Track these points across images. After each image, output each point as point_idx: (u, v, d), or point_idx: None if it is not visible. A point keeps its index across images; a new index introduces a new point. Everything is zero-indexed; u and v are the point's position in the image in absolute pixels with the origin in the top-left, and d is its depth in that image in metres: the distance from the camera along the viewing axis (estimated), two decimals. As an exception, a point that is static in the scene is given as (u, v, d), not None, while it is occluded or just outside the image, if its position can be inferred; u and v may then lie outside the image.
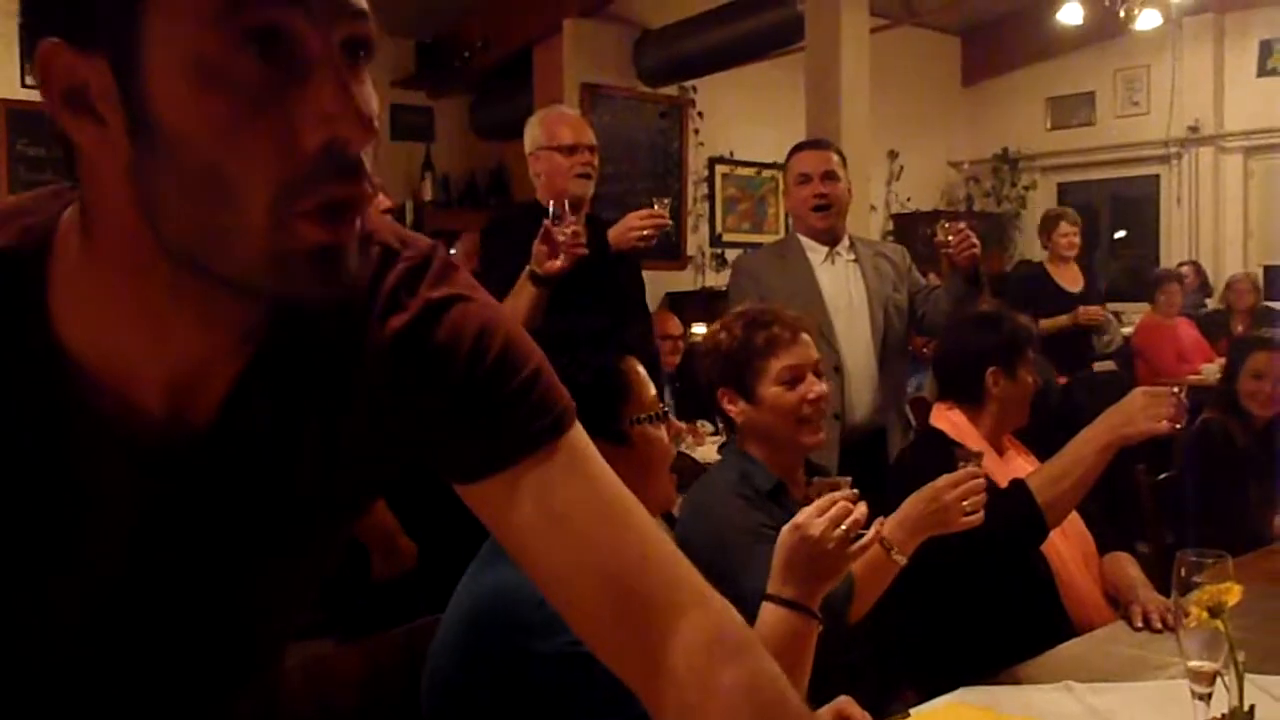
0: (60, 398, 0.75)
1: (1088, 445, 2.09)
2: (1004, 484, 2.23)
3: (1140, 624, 2.08)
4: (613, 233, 3.02)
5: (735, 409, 2.04)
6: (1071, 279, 5.73)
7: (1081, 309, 5.48)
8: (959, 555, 1.98)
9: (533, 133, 3.22)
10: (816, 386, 2.04)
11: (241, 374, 0.79)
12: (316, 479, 0.84)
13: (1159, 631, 2.02)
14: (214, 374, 0.79)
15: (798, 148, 3.38)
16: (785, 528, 1.32)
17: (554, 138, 3.15)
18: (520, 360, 0.87)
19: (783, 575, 1.30)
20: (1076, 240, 5.77)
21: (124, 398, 0.76)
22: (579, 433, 0.90)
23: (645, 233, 3.00)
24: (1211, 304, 7.78)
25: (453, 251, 5.86)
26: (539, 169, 3.18)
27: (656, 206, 3.08)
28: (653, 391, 1.46)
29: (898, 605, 1.95)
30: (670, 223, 3.10)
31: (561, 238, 2.69)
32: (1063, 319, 5.43)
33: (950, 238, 3.04)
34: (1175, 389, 2.10)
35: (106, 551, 0.80)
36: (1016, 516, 2.07)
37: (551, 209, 2.75)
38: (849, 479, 1.40)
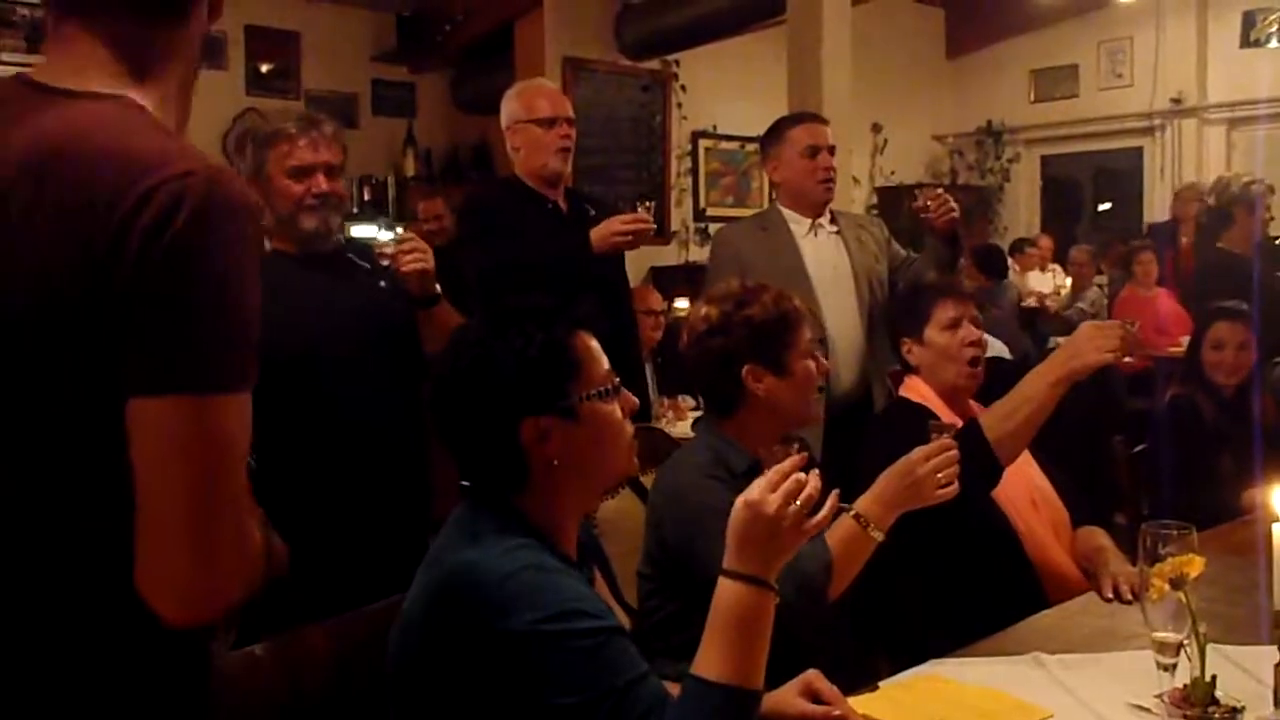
0: None
1: (1038, 381, 2.12)
2: None
3: (1110, 595, 2.10)
4: (595, 234, 2.99)
5: (760, 385, 1.96)
6: None
7: None
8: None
9: (510, 106, 3.21)
10: (823, 360, 2.06)
11: None
12: None
13: (1128, 603, 2.03)
14: None
15: (799, 119, 3.33)
16: (737, 503, 1.31)
17: (532, 110, 3.14)
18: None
19: (738, 551, 1.30)
20: None
21: None
22: None
23: (628, 239, 2.98)
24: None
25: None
26: (517, 143, 3.17)
27: (641, 210, 3.05)
28: (604, 366, 1.44)
29: (873, 580, 1.95)
30: (655, 227, 3.07)
31: (388, 261, 2.38)
32: None
33: (929, 203, 3.05)
34: (1128, 323, 2.12)
35: None
36: (967, 453, 2.07)
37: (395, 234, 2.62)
38: (798, 442, 1.39)
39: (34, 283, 0.95)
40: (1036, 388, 2.11)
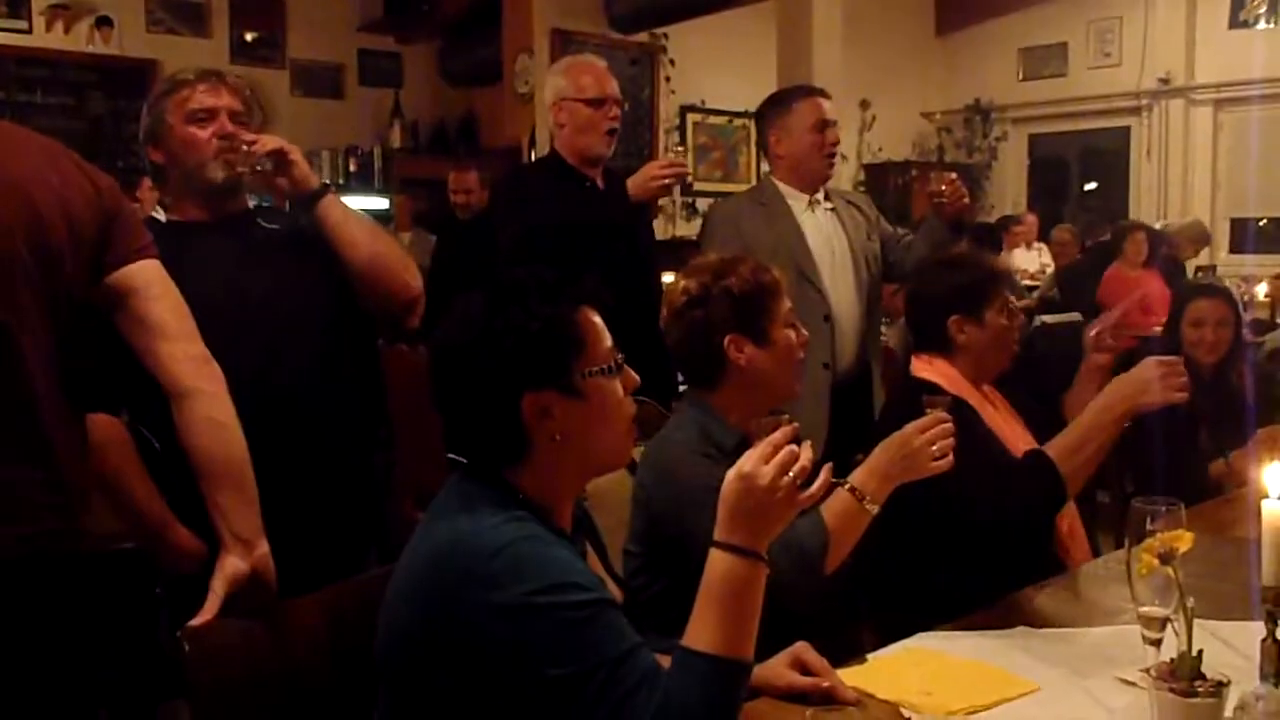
0: None
1: (1105, 414, 2.08)
2: (997, 429, 2.25)
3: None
4: (633, 182, 2.94)
5: (742, 355, 1.96)
6: None
7: None
8: (986, 529, 2.03)
9: (556, 83, 3.14)
10: (803, 331, 2.04)
11: None
12: None
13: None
14: None
15: (809, 91, 3.29)
16: (730, 475, 1.31)
17: (580, 89, 3.08)
18: None
19: (730, 523, 1.30)
20: None
21: None
22: None
23: (666, 181, 2.93)
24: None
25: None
26: (562, 120, 3.10)
27: (673, 155, 3.02)
28: (608, 343, 1.43)
29: (873, 556, 1.96)
30: (689, 170, 3.02)
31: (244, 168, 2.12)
32: None
33: (944, 187, 3.05)
34: (1176, 360, 2.11)
35: None
36: (1041, 488, 2.06)
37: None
38: (788, 415, 1.39)
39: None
40: (1102, 422, 2.08)
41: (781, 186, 3.19)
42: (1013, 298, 2.41)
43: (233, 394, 2.02)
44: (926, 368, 2.36)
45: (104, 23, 7.06)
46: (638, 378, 1.46)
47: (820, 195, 3.20)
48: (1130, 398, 2.08)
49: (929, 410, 1.84)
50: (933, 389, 2.25)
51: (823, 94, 3.30)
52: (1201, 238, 7.60)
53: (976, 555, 2.13)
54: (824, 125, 3.14)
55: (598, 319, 1.42)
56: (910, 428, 1.81)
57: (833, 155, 3.18)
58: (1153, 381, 2.07)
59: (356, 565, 2.02)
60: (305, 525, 2.10)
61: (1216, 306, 3.25)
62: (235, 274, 2.12)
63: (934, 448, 1.79)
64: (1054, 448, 2.11)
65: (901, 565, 2.16)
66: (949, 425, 1.82)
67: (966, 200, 3.08)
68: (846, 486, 1.79)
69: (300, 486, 2.11)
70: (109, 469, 2.06)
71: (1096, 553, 2.36)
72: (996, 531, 2.06)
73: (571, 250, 2.69)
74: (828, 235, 3.15)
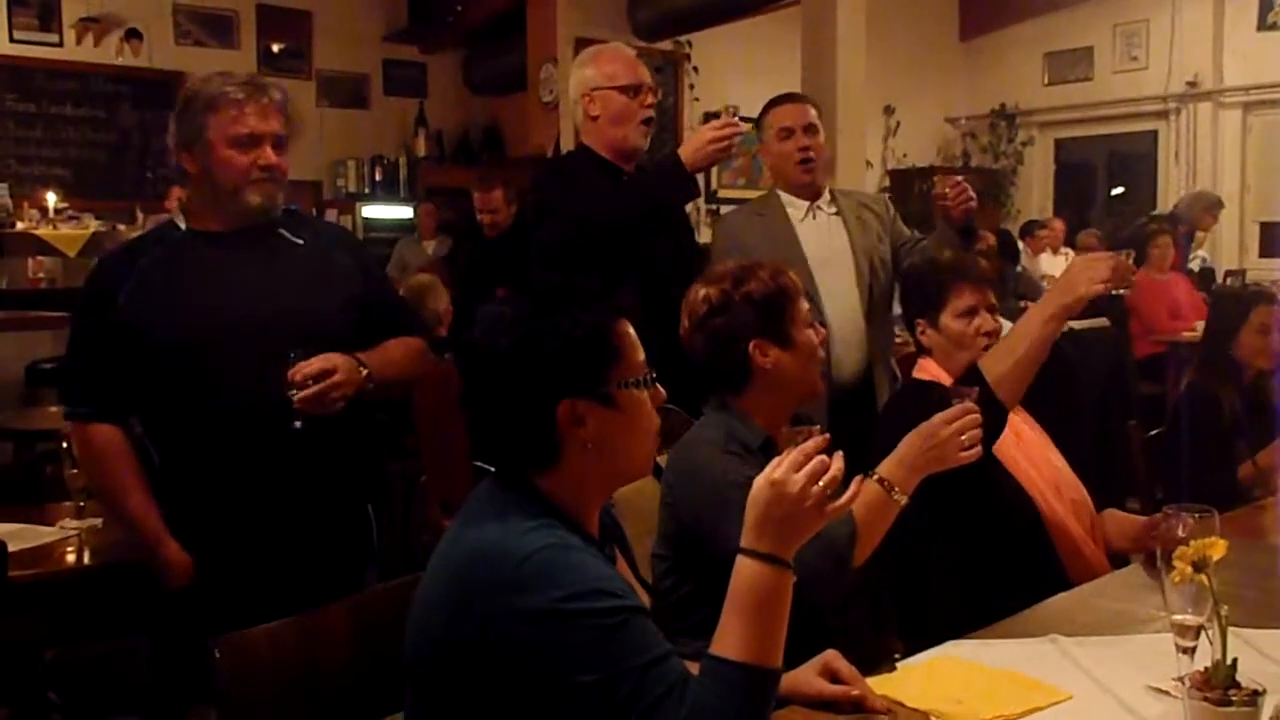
0: None
1: (1033, 317, 2.15)
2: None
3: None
4: (685, 150, 2.77)
5: (768, 359, 1.96)
6: None
7: None
8: None
9: (583, 74, 2.97)
10: (820, 328, 2.06)
11: None
12: None
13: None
14: None
15: (774, 102, 3.26)
16: (759, 482, 1.31)
17: (612, 77, 2.91)
18: None
19: (758, 530, 1.30)
20: None
21: None
22: None
23: (724, 144, 2.79)
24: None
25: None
26: (595, 111, 2.92)
27: (725, 115, 2.87)
28: (642, 356, 1.44)
29: (893, 562, 1.95)
30: (745, 129, 2.89)
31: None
32: None
33: (948, 189, 3.02)
34: (1122, 254, 2.15)
35: None
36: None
37: None
38: (818, 426, 1.39)
39: None
40: (1031, 324, 2.14)
41: (782, 195, 3.16)
42: (985, 300, 2.40)
43: (245, 404, 2.07)
44: (924, 370, 2.43)
45: (133, 35, 7.14)
46: (664, 394, 1.46)
47: (824, 200, 3.17)
48: (1057, 297, 2.14)
49: (955, 401, 1.84)
50: (922, 385, 2.28)
51: (795, 99, 3.26)
52: (1214, 204, 7.53)
53: (981, 560, 2.12)
54: (788, 132, 3.10)
55: (633, 331, 1.43)
56: (938, 418, 1.81)
57: (805, 160, 3.11)
58: (1075, 277, 2.12)
59: (354, 583, 2.04)
60: (304, 540, 2.13)
61: (1275, 312, 3.21)
62: (252, 286, 2.12)
63: (963, 438, 1.79)
64: (984, 357, 2.20)
65: (932, 574, 2.15)
66: (976, 416, 1.82)
67: (974, 203, 3.02)
68: (875, 477, 1.79)
69: (295, 502, 2.13)
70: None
71: (1125, 561, 2.34)
72: None
73: (616, 246, 2.64)
74: (827, 240, 3.10)
